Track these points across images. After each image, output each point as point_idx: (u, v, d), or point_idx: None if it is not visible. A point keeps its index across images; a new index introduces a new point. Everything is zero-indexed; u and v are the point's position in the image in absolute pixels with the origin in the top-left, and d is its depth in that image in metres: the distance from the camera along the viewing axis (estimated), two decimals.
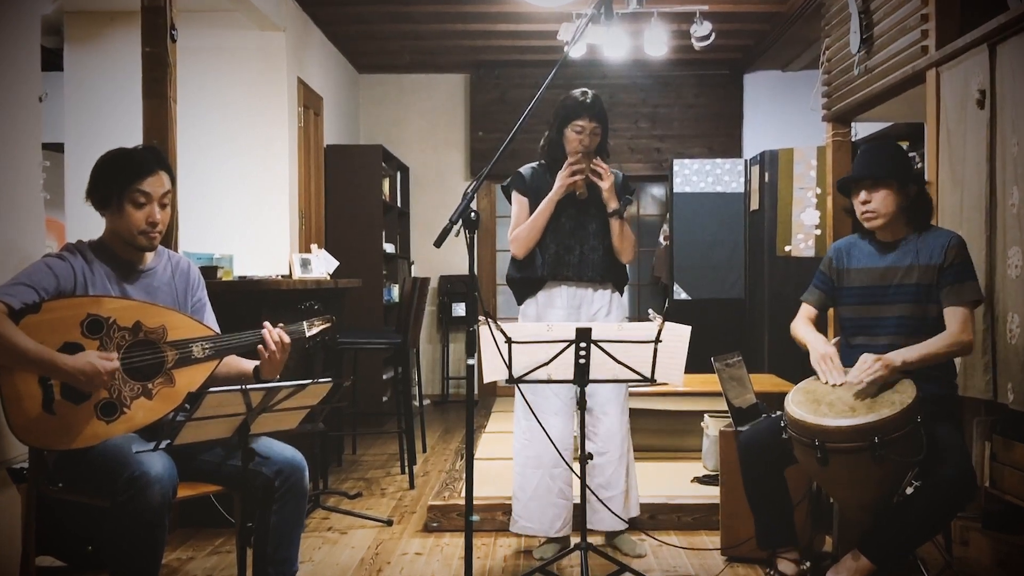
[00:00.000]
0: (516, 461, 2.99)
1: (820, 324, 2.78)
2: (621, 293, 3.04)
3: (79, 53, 4.76)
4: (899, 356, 2.40)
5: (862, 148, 2.67)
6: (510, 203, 3.03)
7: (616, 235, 2.92)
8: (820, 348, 2.55)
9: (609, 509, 2.92)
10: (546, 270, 2.94)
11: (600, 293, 2.96)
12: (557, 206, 2.91)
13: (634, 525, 3.08)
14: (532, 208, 2.94)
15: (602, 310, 2.95)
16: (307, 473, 2.25)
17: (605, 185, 2.86)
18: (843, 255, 2.66)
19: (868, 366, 2.37)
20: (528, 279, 2.97)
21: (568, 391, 2.89)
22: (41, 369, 2.02)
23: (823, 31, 4.42)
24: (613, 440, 2.93)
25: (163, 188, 2.22)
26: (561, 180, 2.87)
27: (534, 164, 3.04)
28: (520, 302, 3.02)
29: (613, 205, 2.89)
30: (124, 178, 2.19)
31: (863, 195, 2.54)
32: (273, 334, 2.25)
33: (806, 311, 2.75)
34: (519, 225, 2.95)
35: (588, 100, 2.88)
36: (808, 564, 2.56)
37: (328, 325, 2.40)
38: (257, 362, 2.29)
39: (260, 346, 2.24)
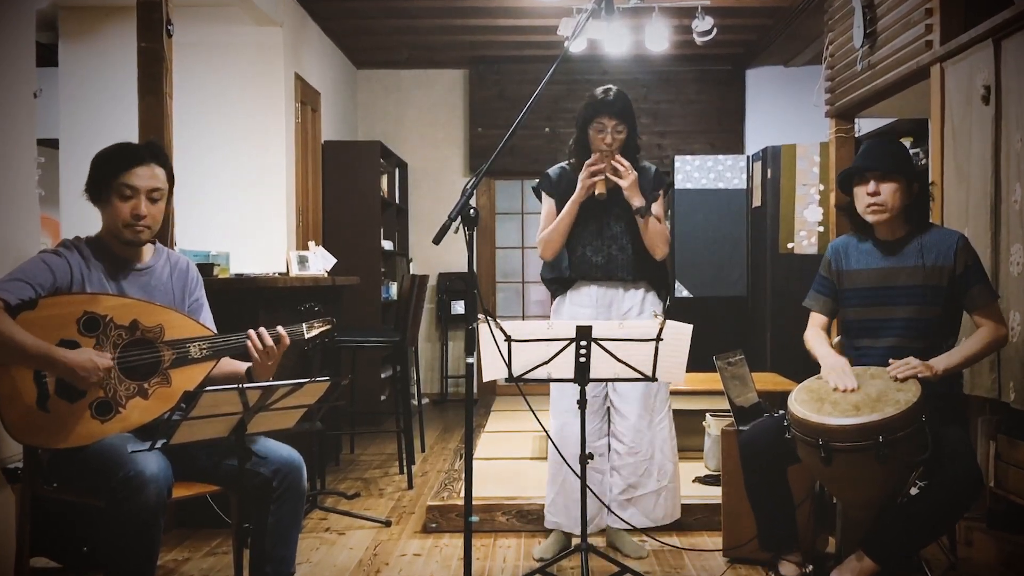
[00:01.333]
0: (548, 457, 3.01)
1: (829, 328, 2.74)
2: (662, 296, 2.97)
3: (74, 49, 4.72)
4: (940, 364, 2.38)
5: (866, 142, 2.63)
6: (540, 203, 3.02)
7: (644, 233, 2.85)
8: (830, 361, 2.51)
9: (610, 511, 2.89)
10: (572, 271, 2.92)
11: (631, 293, 2.92)
12: (583, 207, 2.86)
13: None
14: (559, 209, 2.91)
15: (633, 310, 2.91)
16: (305, 473, 2.23)
17: (624, 183, 2.80)
18: (841, 255, 2.62)
19: (908, 363, 2.35)
20: (557, 279, 2.97)
21: (590, 390, 2.85)
22: (38, 363, 2.00)
23: (826, 26, 4.39)
24: (641, 439, 2.89)
25: (154, 182, 2.19)
26: (581, 182, 2.83)
27: (564, 164, 3.00)
28: (554, 298, 3.02)
29: (637, 203, 2.83)
30: (112, 170, 2.17)
31: (871, 186, 2.48)
32: (256, 341, 2.20)
33: (817, 320, 2.68)
34: (546, 227, 2.93)
35: (609, 98, 2.82)
36: (811, 567, 2.53)
37: (328, 327, 2.37)
38: (250, 363, 2.27)
39: (252, 348, 2.21)
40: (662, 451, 2.91)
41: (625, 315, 2.90)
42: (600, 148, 2.83)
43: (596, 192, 2.83)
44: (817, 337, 2.63)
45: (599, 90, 2.87)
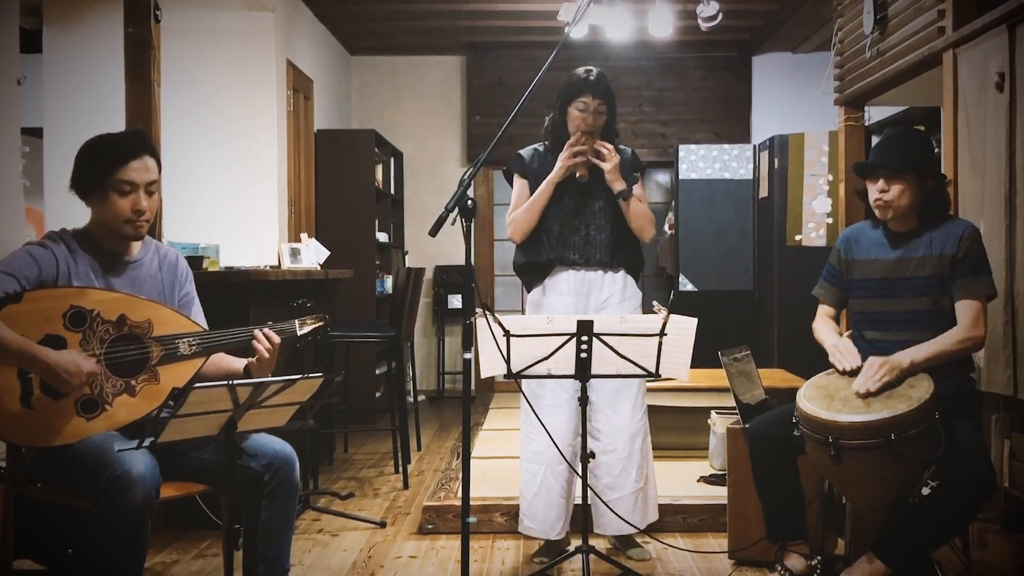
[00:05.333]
0: (522, 457, 2.91)
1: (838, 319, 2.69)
2: (636, 278, 2.94)
3: (59, 34, 4.63)
4: (907, 357, 2.32)
5: (886, 132, 2.59)
6: (511, 186, 2.95)
7: (629, 217, 2.82)
8: (831, 340, 2.51)
9: (613, 512, 2.82)
10: (551, 253, 2.85)
11: (610, 278, 2.86)
12: (559, 187, 2.82)
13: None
14: (532, 191, 2.86)
15: (613, 297, 2.85)
16: (297, 466, 2.20)
17: (607, 167, 2.76)
18: (851, 245, 2.59)
19: (874, 372, 2.30)
20: (533, 264, 2.88)
21: (573, 383, 2.79)
22: (21, 362, 1.96)
23: (835, 11, 4.34)
24: (619, 438, 2.82)
25: (150, 175, 2.16)
26: (562, 161, 2.77)
27: (536, 145, 2.95)
28: (528, 290, 2.93)
29: (618, 187, 2.78)
30: (108, 164, 2.12)
31: (881, 184, 2.46)
32: (263, 341, 2.19)
33: (825, 310, 2.66)
34: (518, 208, 2.87)
35: (592, 77, 2.79)
36: (819, 558, 2.51)
37: (321, 324, 2.35)
38: (248, 360, 2.23)
39: (261, 349, 2.19)
40: (641, 451, 2.85)
41: (604, 303, 2.84)
42: (579, 128, 2.78)
43: (578, 175, 2.80)
44: (824, 325, 2.62)
45: (581, 70, 2.82)
